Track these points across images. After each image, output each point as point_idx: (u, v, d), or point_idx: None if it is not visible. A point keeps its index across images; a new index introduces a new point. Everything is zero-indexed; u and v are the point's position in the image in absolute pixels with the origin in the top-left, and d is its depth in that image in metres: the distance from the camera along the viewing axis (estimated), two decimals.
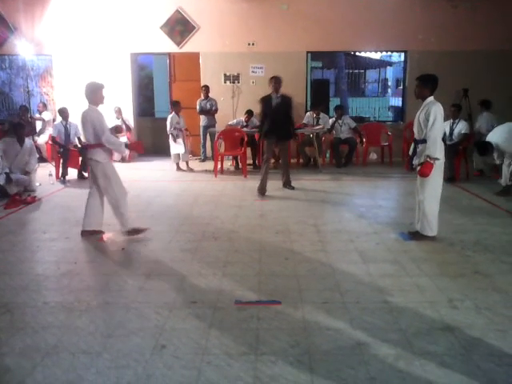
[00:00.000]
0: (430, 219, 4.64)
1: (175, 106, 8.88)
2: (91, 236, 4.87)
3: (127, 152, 4.80)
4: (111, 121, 9.12)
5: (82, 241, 4.79)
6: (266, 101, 7.03)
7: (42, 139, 9.75)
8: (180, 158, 8.85)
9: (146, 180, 7.98)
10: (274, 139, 7.02)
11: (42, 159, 9.43)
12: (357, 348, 2.77)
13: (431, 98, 4.51)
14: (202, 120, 9.57)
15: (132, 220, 4.93)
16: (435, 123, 4.36)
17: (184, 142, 8.89)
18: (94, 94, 4.69)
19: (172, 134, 8.75)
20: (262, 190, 6.86)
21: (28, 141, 7.18)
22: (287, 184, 7.29)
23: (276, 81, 6.89)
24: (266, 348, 2.78)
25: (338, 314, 3.19)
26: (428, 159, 4.40)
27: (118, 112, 9.72)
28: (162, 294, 3.54)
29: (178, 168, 8.91)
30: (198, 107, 9.44)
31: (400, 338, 2.87)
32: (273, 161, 9.13)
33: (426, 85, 4.51)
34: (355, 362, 2.64)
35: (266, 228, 5.20)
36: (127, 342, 2.86)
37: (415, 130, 4.66)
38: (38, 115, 10.08)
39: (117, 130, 5.28)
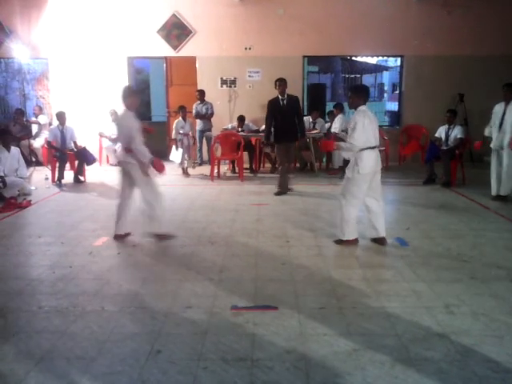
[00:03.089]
0: (345, 224, 4.60)
1: (181, 110, 8.74)
2: (122, 239, 4.88)
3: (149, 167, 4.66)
4: (108, 124, 9.13)
5: (78, 245, 4.76)
6: (273, 103, 7.02)
7: (38, 143, 9.70)
8: (185, 164, 8.67)
9: None
10: (284, 142, 7.03)
11: (37, 163, 9.43)
12: (353, 354, 2.76)
13: (362, 107, 4.53)
14: (198, 124, 9.54)
15: (164, 225, 4.91)
16: (354, 130, 4.40)
17: (188, 149, 8.74)
18: (131, 99, 4.72)
19: (175, 139, 8.65)
20: (281, 188, 7.11)
21: (14, 149, 7.03)
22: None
23: (281, 83, 6.94)
24: (262, 353, 2.77)
25: (335, 320, 3.18)
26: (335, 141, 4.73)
27: (114, 115, 9.69)
28: (157, 299, 3.52)
29: (185, 173, 8.76)
30: (194, 111, 9.43)
31: (396, 344, 2.86)
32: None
33: (358, 95, 4.58)
34: (352, 367, 2.63)
35: (262, 233, 5.19)
36: (122, 347, 2.84)
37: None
38: (33, 118, 10.06)
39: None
